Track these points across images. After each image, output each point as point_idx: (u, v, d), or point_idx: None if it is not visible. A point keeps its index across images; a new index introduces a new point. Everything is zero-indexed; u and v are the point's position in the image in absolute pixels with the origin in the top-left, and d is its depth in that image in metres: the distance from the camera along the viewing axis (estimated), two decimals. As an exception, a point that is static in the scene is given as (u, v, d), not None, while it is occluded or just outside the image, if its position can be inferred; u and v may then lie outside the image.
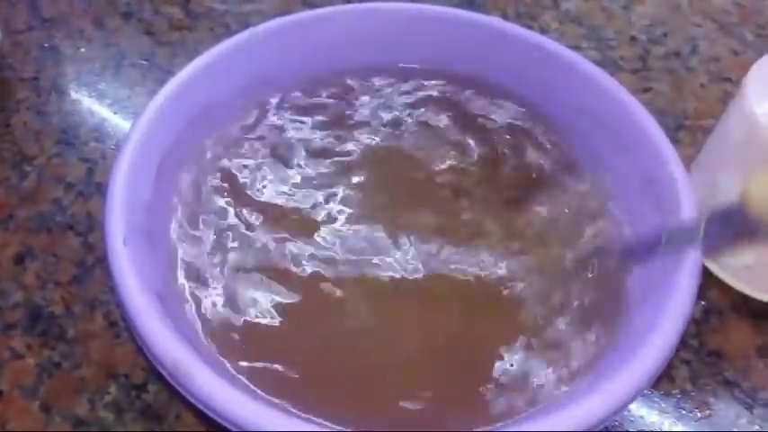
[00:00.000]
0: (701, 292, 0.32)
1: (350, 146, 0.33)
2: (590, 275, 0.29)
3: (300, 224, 0.30)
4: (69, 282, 0.33)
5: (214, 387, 0.22)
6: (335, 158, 0.33)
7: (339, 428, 0.24)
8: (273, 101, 0.35)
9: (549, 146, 0.34)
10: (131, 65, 0.43)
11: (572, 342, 0.27)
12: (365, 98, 0.36)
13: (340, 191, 0.32)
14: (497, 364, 0.27)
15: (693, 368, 0.31)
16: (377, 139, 0.34)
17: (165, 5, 0.46)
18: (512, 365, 0.26)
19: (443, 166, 0.33)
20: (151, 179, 0.29)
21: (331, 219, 0.30)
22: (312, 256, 0.29)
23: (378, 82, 0.36)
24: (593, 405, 0.22)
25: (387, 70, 0.37)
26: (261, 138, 0.33)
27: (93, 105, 0.40)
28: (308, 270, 0.29)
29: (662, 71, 0.44)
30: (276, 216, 0.30)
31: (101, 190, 0.36)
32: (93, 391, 0.29)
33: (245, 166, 0.32)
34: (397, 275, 0.29)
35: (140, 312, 0.23)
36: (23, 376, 0.30)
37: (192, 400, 0.22)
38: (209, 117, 0.32)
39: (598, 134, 0.32)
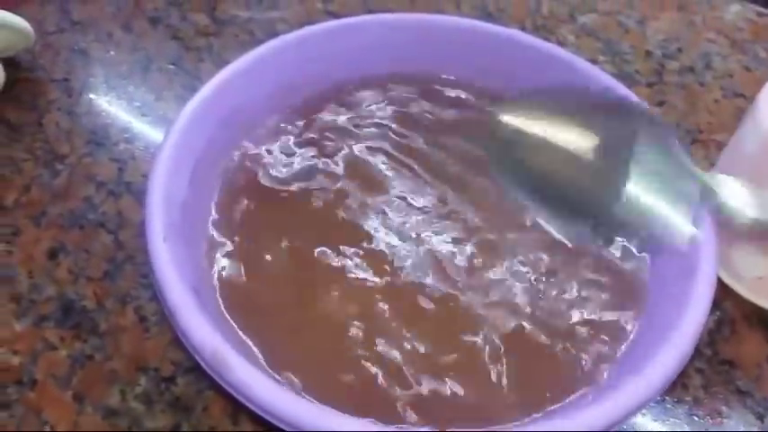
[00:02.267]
0: (715, 303, 0.33)
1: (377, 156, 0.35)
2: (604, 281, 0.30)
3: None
4: (101, 277, 0.34)
5: (252, 377, 0.23)
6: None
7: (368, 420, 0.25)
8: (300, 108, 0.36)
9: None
10: (159, 69, 0.44)
11: (586, 347, 0.28)
12: (386, 106, 0.37)
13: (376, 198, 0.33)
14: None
15: (706, 376, 0.31)
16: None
17: (192, 12, 0.48)
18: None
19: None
20: (187, 179, 0.30)
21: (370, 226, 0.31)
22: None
23: (399, 91, 0.37)
24: (605, 410, 0.23)
25: (407, 80, 0.38)
26: (292, 140, 0.35)
27: (122, 107, 0.42)
28: (337, 266, 0.30)
29: (676, 86, 0.45)
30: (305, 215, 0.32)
31: (131, 189, 0.37)
32: (124, 382, 0.30)
33: (276, 167, 0.33)
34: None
35: (180, 304, 0.24)
36: (57, 367, 0.31)
37: (229, 389, 0.23)
38: (241, 120, 0.33)
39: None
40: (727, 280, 0.34)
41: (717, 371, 0.32)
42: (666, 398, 0.31)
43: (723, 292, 0.34)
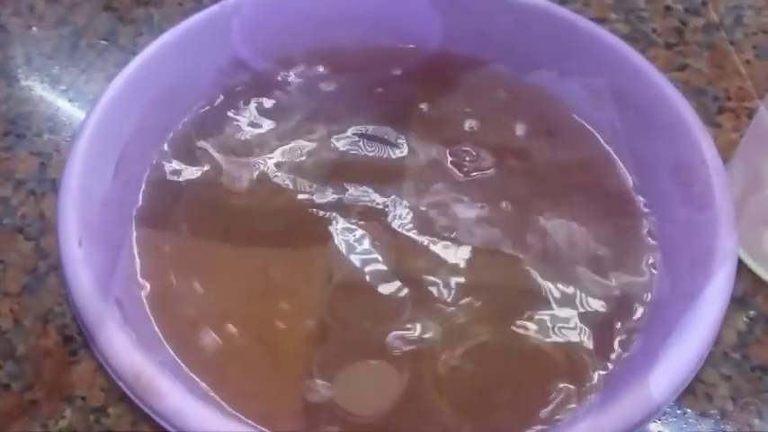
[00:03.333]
0: (746, 299, 0.33)
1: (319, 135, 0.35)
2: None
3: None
4: (19, 292, 0.33)
5: (183, 403, 0.22)
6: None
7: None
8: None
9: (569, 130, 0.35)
10: (89, 45, 0.44)
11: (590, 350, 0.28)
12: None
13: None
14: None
15: (735, 385, 0.31)
16: None
17: (129, -23, 0.47)
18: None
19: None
20: (110, 172, 0.29)
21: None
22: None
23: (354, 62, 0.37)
24: (606, 420, 0.23)
25: (370, 49, 0.37)
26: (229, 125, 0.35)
27: (46, 92, 0.41)
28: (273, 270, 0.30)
29: (701, 46, 0.44)
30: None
31: (54, 187, 0.37)
32: (47, 415, 0.30)
33: (212, 155, 0.33)
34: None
35: (98, 322, 0.24)
36: (-34, 399, 0.30)
37: (157, 419, 0.23)
38: (174, 102, 0.33)
39: (623, 116, 0.33)
40: (758, 270, 0.33)
41: (747, 378, 0.31)
42: (688, 410, 0.30)
43: (754, 286, 0.33)
